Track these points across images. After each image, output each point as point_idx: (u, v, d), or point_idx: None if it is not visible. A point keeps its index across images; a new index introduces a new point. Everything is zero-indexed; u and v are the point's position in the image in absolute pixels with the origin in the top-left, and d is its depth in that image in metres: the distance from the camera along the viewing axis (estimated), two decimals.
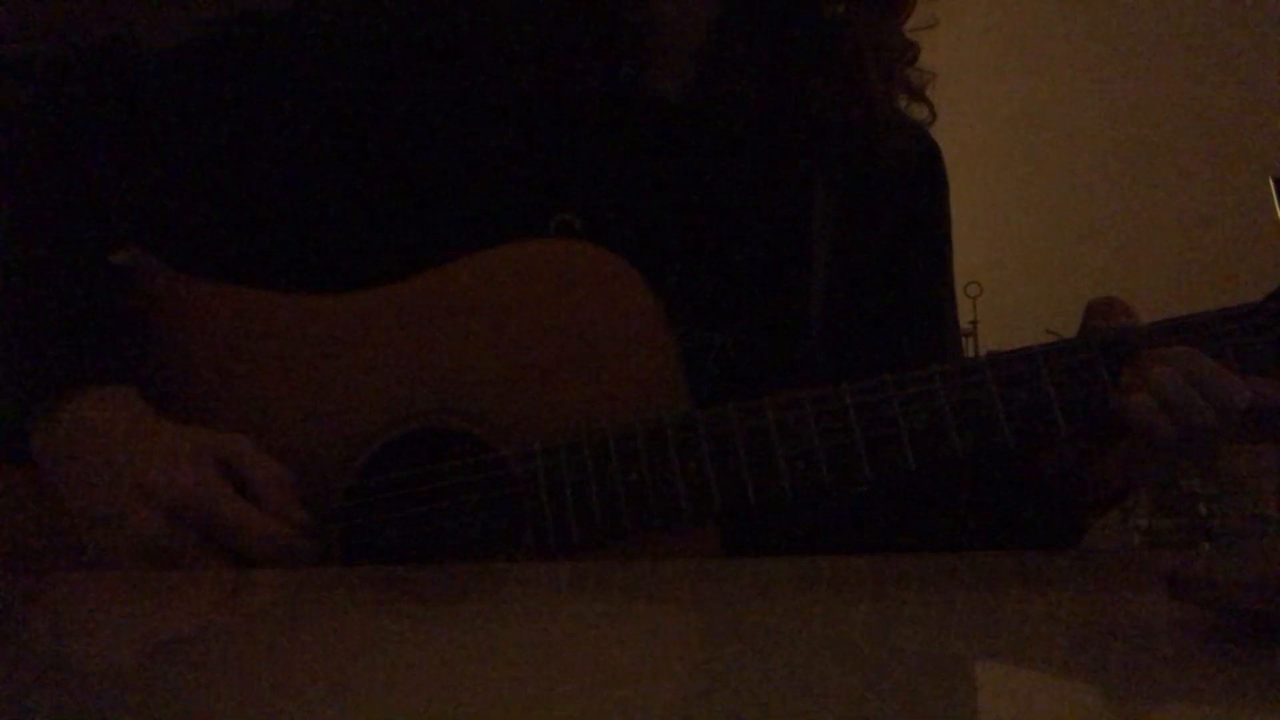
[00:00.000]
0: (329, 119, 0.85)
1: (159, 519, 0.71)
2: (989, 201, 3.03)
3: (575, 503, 0.74)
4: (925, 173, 0.97)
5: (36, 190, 0.84)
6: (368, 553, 0.77)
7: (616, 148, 0.86)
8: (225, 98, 0.85)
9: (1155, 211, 3.00)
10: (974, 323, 2.81)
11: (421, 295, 0.80)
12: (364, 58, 0.85)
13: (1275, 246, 2.82)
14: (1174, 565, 0.42)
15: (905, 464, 0.73)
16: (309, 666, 0.41)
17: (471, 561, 0.79)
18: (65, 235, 0.83)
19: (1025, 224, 3.11)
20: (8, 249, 0.82)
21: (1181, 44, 3.02)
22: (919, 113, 0.93)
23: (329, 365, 0.80)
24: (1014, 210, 3.10)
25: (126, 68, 0.87)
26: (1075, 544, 0.84)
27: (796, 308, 0.87)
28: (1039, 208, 3.11)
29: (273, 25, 0.87)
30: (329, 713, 0.34)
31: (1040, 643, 0.46)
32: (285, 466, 0.75)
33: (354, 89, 0.85)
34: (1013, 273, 3.00)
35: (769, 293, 0.87)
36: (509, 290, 0.79)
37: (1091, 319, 0.78)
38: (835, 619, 0.51)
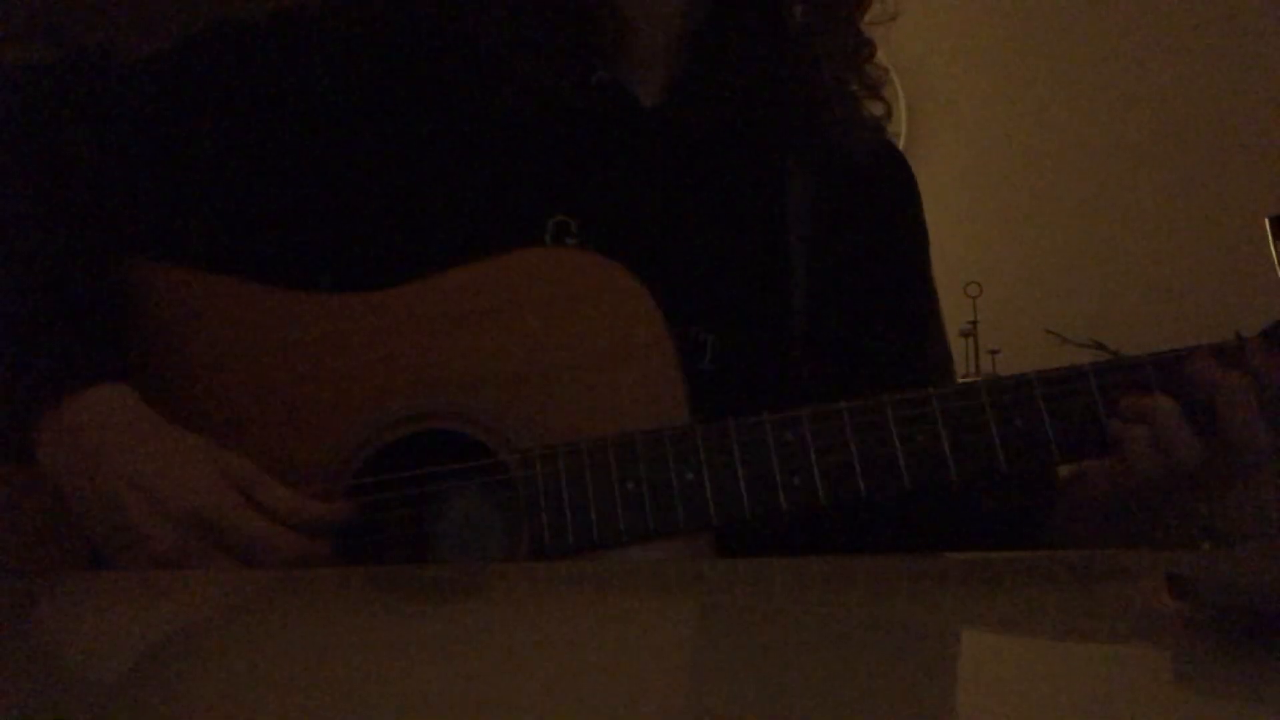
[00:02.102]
0: (323, 124, 0.85)
1: (177, 535, 0.71)
2: (989, 201, 3.03)
3: (572, 509, 0.74)
4: (893, 181, 0.98)
5: (29, 189, 0.84)
6: (364, 553, 0.77)
7: (600, 150, 0.87)
8: (221, 102, 0.86)
9: (1156, 211, 3.00)
10: (974, 323, 2.81)
11: (424, 299, 0.80)
12: (354, 65, 0.86)
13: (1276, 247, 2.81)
14: (1174, 565, 0.42)
15: (900, 485, 0.74)
16: (304, 667, 0.41)
17: (466, 564, 0.79)
18: (59, 235, 0.82)
19: (1025, 224, 3.11)
20: (2, 249, 0.81)
21: (1184, 43, 3.02)
22: (875, 109, 0.93)
23: (329, 364, 0.80)
24: (1014, 210, 3.10)
25: (120, 71, 0.87)
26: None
27: (778, 306, 0.88)
28: (1039, 208, 3.11)
29: (265, 31, 0.87)
30: (326, 714, 0.34)
31: (1040, 642, 0.46)
32: (289, 480, 0.75)
33: (345, 96, 0.86)
34: (1013, 273, 3.00)
35: (750, 291, 0.88)
36: (513, 296, 0.79)
37: None
38: (830, 617, 0.51)
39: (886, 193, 0.98)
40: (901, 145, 2.63)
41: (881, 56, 0.95)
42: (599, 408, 0.77)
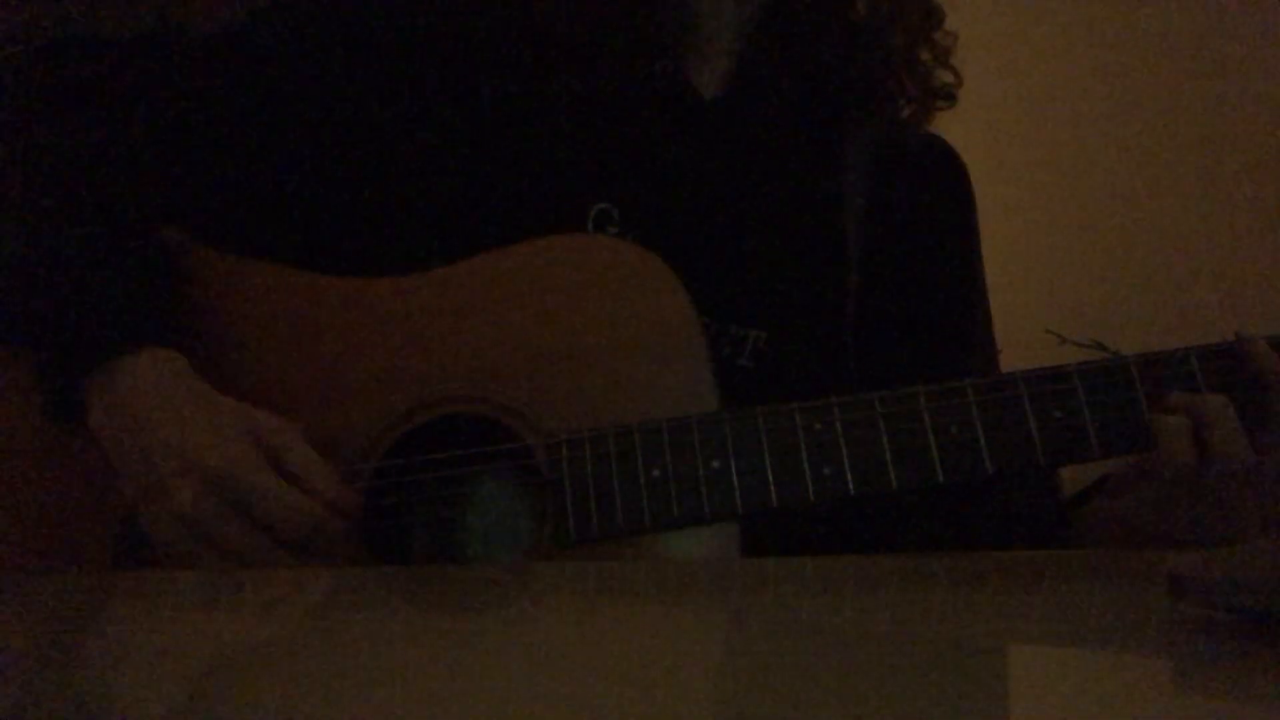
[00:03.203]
0: (372, 107, 0.85)
1: (196, 491, 0.71)
2: (990, 201, 3.02)
3: (597, 497, 0.74)
4: (948, 184, 0.98)
5: (84, 164, 0.84)
6: (388, 537, 0.77)
7: (653, 141, 0.86)
8: (274, 83, 0.86)
9: (1156, 211, 3.00)
10: None
11: (455, 284, 0.80)
12: (407, 48, 0.86)
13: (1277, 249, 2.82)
14: (1174, 565, 0.42)
15: (934, 478, 0.72)
16: (325, 671, 0.41)
17: (491, 551, 0.79)
18: (113, 208, 0.82)
19: (1025, 224, 3.11)
20: (59, 220, 0.81)
21: (1184, 42, 3.02)
22: (944, 77, 0.93)
23: (361, 347, 0.80)
24: (1014, 210, 3.10)
25: (178, 49, 0.88)
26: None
27: (830, 306, 0.88)
28: (1038, 207, 3.11)
29: (315, 14, 0.87)
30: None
31: (1039, 642, 0.46)
32: (318, 450, 0.74)
33: (397, 78, 0.85)
34: (1013, 273, 3.00)
35: (803, 290, 0.87)
36: (543, 283, 0.79)
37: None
38: (844, 618, 0.51)
39: (941, 196, 0.97)
40: None
41: None
42: (626, 395, 0.76)
